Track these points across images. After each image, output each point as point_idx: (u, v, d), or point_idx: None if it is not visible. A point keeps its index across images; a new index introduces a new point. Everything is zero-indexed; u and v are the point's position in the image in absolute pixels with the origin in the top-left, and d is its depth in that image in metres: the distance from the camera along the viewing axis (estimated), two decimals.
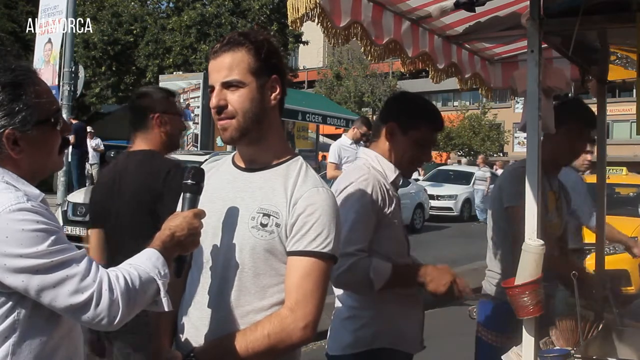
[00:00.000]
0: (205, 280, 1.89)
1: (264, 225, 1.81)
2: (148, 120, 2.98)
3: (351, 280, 2.38)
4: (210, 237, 1.88)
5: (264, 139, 1.89)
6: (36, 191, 1.67)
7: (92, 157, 18.26)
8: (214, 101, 1.86)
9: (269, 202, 1.83)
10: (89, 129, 18.44)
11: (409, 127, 2.54)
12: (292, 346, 1.80)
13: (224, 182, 1.94)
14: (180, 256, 1.82)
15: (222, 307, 1.83)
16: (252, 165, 1.92)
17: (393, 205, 2.50)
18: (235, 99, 1.83)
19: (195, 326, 1.88)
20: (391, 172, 2.54)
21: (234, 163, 1.98)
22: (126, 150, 3.17)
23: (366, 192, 2.41)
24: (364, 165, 2.55)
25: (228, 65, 1.83)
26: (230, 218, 1.86)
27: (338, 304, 2.57)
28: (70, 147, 15.66)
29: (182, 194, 1.86)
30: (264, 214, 1.82)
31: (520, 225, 2.97)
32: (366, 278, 2.35)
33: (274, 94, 1.87)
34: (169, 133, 2.99)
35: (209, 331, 1.84)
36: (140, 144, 3.03)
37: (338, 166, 7.82)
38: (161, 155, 2.98)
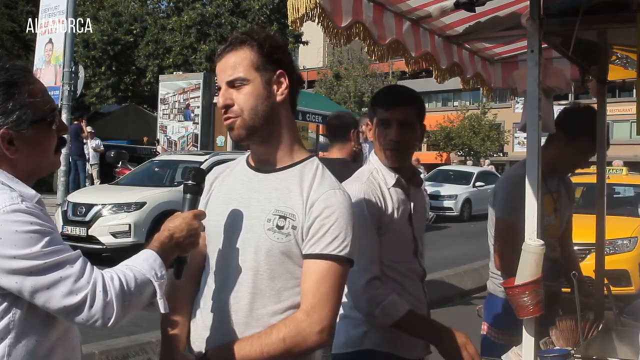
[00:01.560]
0: (220, 282, 1.87)
1: (280, 228, 1.78)
2: (348, 134, 3.82)
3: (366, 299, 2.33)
4: (224, 238, 1.86)
5: (276, 137, 1.86)
6: (32, 192, 1.66)
7: (92, 157, 18.25)
8: (220, 101, 1.85)
9: (285, 204, 1.80)
10: (89, 129, 18.38)
11: (372, 117, 2.52)
12: (307, 350, 1.77)
13: (238, 184, 1.92)
14: (180, 257, 1.80)
15: (236, 309, 1.81)
16: (266, 165, 1.89)
17: (392, 210, 2.42)
18: (241, 97, 1.81)
19: (208, 328, 1.86)
20: (390, 177, 2.46)
21: (248, 164, 1.95)
22: (322, 158, 3.80)
23: (362, 210, 2.32)
24: (366, 172, 2.48)
25: (232, 64, 1.82)
26: (245, 220, 1.84)
27: None
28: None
29: (182, 194, 1.86)
30: (280, 216, 1.79)
31: (501, 239, 3.01)
32: (371, 309, 2.30)
33: (280, 89, 1.83)
34: (357, 147, 3.82)
35: (222, 333, 1.82)
36: (335, 152, 3.90)
37: None
38: (351, 163, 3.75)
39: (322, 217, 1.76)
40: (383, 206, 2.40)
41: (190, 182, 1.84)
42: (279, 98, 1.83)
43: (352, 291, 2.32)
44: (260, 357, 1.73)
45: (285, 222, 1.78)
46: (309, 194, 1.79)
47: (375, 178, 2.44)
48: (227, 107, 1.83)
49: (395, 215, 2.43)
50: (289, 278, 1.80)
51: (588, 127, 3.09)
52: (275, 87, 1.83)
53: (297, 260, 1.79)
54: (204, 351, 1.84)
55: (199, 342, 1.88)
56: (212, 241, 1.90)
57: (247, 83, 1.81)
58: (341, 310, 2.46)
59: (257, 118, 1.81)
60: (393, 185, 2.45)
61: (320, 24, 2.19)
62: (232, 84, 1.82)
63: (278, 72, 1.83)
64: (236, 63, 1.81)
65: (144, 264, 1.68)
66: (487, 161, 29.47)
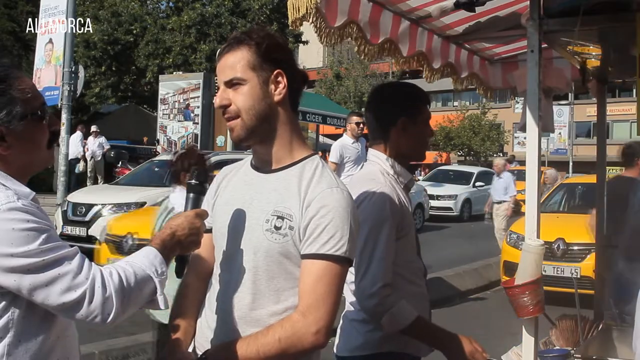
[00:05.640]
0: (221, 282, 1.87)
1: (277, 228, 1.78)
2: (634, 160, 5.54)
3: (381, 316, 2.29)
4: (227, 239, 1.87)
5: (276, 137, 1.85)
6: (26, 189, 1.66)
7: (97, 156, 18.22)
8: (217, 101, 1.85)
9: (283, 205, 1.79)
10: (93, 128, 18.43)
11: (416, 114, 2.45)
12: (303, 351, 1.75)
13: (241, 184, 1.92)
14: (181, 256, 1.81)
15: (237, 309, 1.82)
16: (268, 165, 1.88)
17: (408, 214, 2.41)
18: (238, 98, 1.81)
19: (211, 328, 1.87)
20: (406, 176, 2.45)
21: (252, 164, 1.95)
22: (620, 176, 6.04)
23: (386, 216, 2.29)
24: (378, 173, 2.42)
25: (230, 64, 1.82)
26: (246, 220, 1.84)
27: (349, 306, 2.53)
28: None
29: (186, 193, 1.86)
30: (278, 217, 1.78)
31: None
32: (379, 316, 2.28)
33: (278, 89, 1.82)
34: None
35: (223, 333, 1.83)
36: (628, 173, 5.55)
37: (339, 166, 7.80)
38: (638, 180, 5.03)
39: (318, 216, 1.75)
40: (402, 207, 2.38)
41: (193, 181, 1.85)
42: (276, 98, 1.82)
43: (360, 294, 2.30)
44: (257, 358, 1.73)
45: (282, 222, 1.78)
46: (306, 194, 1.78)
47: (387, 178, 2.41)
48: (224, 107, 1.83)
49: (409, 218, 2.42)
50: (288, 279, 1.79)
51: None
52: (272, 86, 1.82)
53: (295, 261, 1.79)
54: (204, 350, 1.83)
55: (203, 342, 1.88)
56: (218, 242, 1.91)
57: (244, 83, 1.80)
58: (357, 315, 2.43)
59: (255, 118, 1.81)
60: (404, 186, 2.44)
61: (313, 24, 2.18)
62: (229, 84, 1.82)
63: (276, 71, 1.81)
64: (233, 63, 1.81)
65: (144, 261, 1.68)
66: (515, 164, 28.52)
